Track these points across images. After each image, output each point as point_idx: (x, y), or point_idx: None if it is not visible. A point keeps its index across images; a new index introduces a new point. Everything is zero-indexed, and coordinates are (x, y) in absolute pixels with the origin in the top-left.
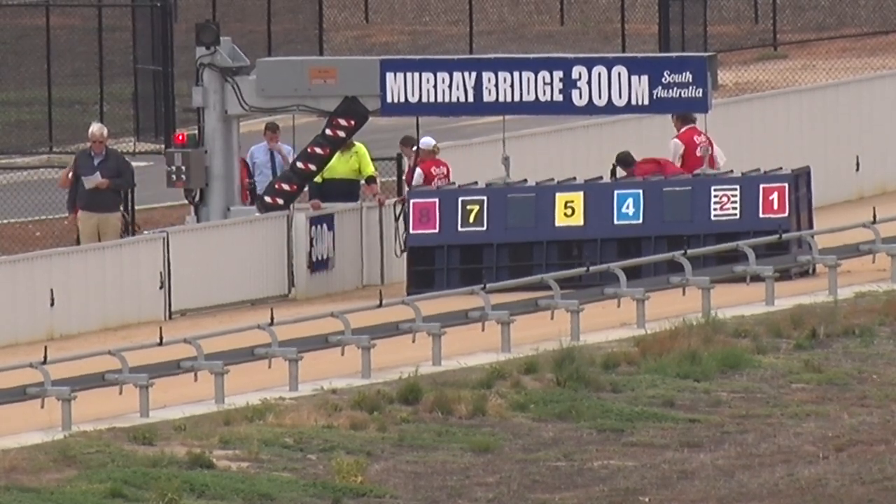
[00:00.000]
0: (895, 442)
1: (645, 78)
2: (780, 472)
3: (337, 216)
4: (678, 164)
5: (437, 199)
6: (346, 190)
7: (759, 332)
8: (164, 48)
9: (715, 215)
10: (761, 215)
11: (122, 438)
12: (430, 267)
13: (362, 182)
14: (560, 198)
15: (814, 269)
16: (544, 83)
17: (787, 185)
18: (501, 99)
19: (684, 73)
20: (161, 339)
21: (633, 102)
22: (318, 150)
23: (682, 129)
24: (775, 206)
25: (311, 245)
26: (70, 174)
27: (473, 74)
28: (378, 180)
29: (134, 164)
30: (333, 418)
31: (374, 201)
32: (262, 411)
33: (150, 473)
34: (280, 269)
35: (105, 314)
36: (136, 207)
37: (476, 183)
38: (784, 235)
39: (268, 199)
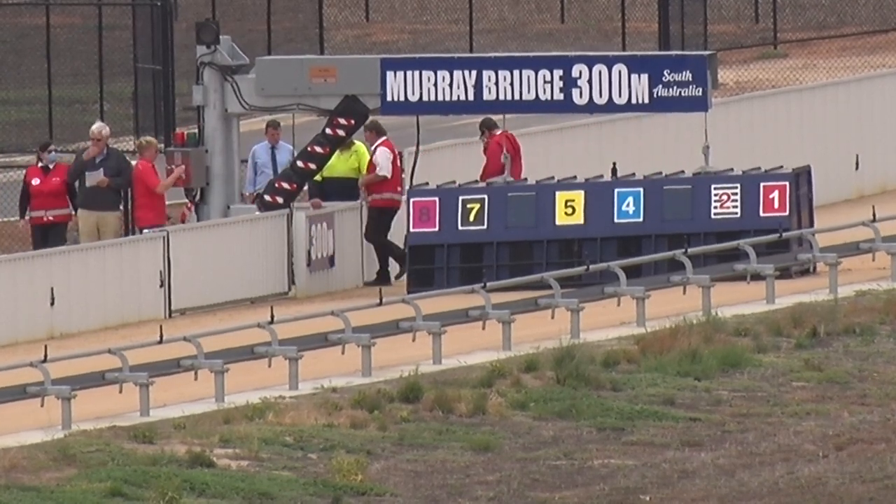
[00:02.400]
0: (895, 440)
1: (645, 76)
2: (781, 470)
3: (337, 215)
4: (390, 173)
5: (437, 198)
6: (346, 189)
7: (760, 330)
8: (165, 47)
9: (715, 214)
10: (762, 214)
11: (123, 437)
12: (430, 266)
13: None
14: (560, 196)
15: (814, 268)
16: (545, 82)
17: (787, 183)
18: (502, 97)
19: (684, 72)
20: (161, 337)
21: (634, 101)
22: (319, 149)
23: (380, 140)
24: (776, 205)
25: (311, 243)
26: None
27: (474, 73)
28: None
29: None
30: (334, 417)
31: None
32: (262, 410)
33: (150, 472)
34: (280, 268)
35: (105, 313)
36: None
37: (476, 182)
38: (784, 234)
39: (268, 197)
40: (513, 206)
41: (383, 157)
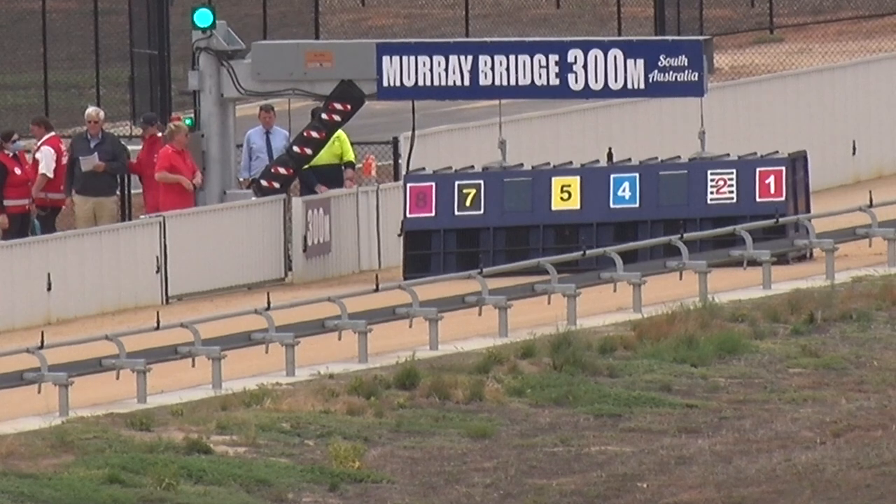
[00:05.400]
0: (892, 427)
1: (641, 61)
2: (778, 457)
3: (333, 201)
4: (52, 174)
5: (433, 183)
6: (330, 176)
7: (757, 316)
8: (161, 32)
9: (711, 199)
10: (758, 199)
11: (120, 424)
12: (426, 251)
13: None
14: (556, 182)
15: (811, 254)
16: (540, 67)
17: (783, 168)
18: (497, 83)
19: (680, 57)
20: (158, 323)
21: (629, 86)
22: (315, 134)
23: (47, 136)
24: (772, 190)
25: (308, 229)
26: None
27: (470, 58)
28: (355, 166)
29: (130, 147)
30: (330, 403)
31: (348, 186)
32: (259, 396)
33: (147, 459)
34: (277, 254)
35: (102, 299)
36: (133, 191)
37: (472, 167)
38: (781, 219)
39: (264, 182)
40: (509, 192)
41: (48, 154)
